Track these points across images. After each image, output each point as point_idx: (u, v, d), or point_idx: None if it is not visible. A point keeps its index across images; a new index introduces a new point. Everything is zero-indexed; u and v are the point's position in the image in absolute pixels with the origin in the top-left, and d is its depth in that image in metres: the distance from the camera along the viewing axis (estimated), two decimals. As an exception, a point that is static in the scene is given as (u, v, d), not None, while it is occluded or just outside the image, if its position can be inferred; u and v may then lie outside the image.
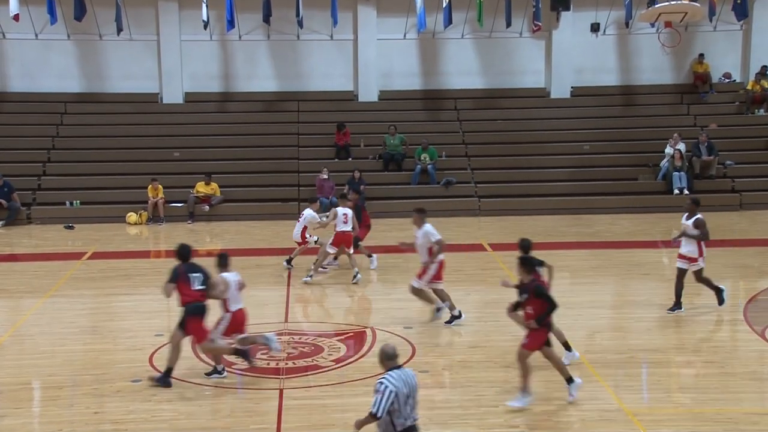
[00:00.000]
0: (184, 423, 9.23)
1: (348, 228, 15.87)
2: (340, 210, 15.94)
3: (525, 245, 11.12)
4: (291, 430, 9.09)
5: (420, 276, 12.84)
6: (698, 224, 13.06)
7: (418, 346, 11.83)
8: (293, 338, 12.30)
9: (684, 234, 13.16)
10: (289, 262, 16.81)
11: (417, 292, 12.97)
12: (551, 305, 9.60)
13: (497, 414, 9.42)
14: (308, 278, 15.77)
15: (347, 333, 12.57)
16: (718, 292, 13.39)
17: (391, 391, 7.04)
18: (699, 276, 13.30)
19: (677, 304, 13.27)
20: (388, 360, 7.27)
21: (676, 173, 24.52)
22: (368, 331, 12.61)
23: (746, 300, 14.38)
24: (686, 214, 13.29)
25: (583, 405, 9.78)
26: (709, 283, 13.37)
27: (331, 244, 16.01)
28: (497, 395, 10.00)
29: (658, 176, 25.16)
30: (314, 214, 16.70)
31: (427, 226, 12.83)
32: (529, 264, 10.00)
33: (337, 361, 11.33)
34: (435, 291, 12.95)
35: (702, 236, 13.08)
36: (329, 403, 9.85)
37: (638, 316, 13.44)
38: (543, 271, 10.94)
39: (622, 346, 11.94)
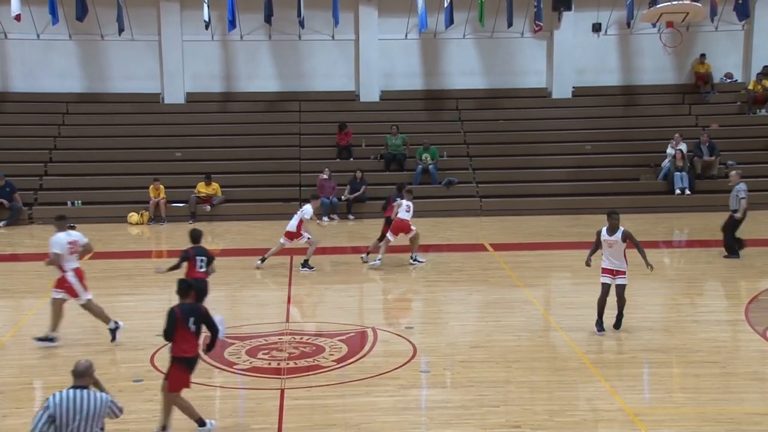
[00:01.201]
0: (185, 423, 9.21)
1: (408, 216, 17.02)
2: (405, 201, 17.16)
3: (194, 236, 10.30)
4: (292, 430, 9.09)
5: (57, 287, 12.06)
6: (628, 236, 12.37)
7: (419, 346, 11.83)
8: (294, 338, 12.30)
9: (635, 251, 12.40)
10: (305, 264, 16.93)
11: (86, 306, 12.17)
12: (213, 334, 8.81)
13: (499, 414, 9.42)
14: (377, 262, 17.03)
15: (349, 333, 12.57)
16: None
17: (48, 413, 6.68)
18: (623, 292, 12.50)
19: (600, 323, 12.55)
20: (75, 377, 6.96)
21: (678, 173, 24.54)
22: (369, 331, 12.61)
23: (748, 300, 14.36)
24: (606, 228, 12.48)
25: (584, 405, 9.79)
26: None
27: (390, 231, 17.10)
28: (499, 395, 10.01)
29: (659, 176, 25.16)
30: (311, 210, 17.12)
31: (59, 235, 11.88)
32: (185, 288, 8.90)
33: (339, 361, 11.33)
34: (85, 305, 12.18)
35: (639, 246, 12.37)
36: (330, 403, 9.84)
37: (640, 316, 13.41)
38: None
39: (624, 347, 11.95)
